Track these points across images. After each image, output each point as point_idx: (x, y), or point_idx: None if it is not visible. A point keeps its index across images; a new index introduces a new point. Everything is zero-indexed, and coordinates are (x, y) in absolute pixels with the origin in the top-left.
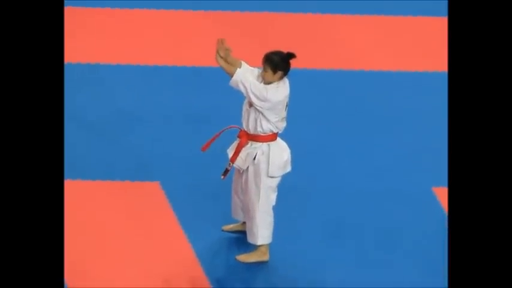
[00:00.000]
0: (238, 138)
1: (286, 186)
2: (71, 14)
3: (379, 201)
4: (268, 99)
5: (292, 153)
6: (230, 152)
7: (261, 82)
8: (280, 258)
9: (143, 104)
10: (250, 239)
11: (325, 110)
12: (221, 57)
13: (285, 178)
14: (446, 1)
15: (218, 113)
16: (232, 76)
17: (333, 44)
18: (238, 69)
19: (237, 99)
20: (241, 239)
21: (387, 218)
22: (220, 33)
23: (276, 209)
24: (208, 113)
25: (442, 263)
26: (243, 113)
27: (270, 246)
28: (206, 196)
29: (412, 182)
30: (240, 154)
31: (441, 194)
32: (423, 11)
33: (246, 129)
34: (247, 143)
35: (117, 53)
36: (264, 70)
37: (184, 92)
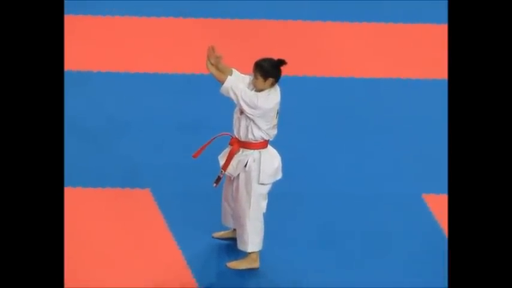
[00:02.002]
0: (229, 146)
1: (277, 192)
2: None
3: (370, 207)
4: (259, 106)
5: (283, 159)
6: (221, 159)
7: (252, 89)
8: (271, 264)
9: (134, 111)
10: (240, 246)
11: (316, 116)
12: (212, 65)
13: (276, 184)
14: (445, 8)
15: (209, 121)
16: (222, 83)
17: (324, 51)
18: (229, 76)
19: (228, 106)
20: (231, 246)
21: (378, 224)
22: (212, 40)
23: (267, 215)
24: (199, 120)
25: (432, 268)
26: (234, 121)
27: (261, 252)
28: (196, 203)
29: (403, 188)
30: (231, 161)
31: (431, 201)
32: (421, 18)
33: (237, 137)
34: (238, 150)
35: (108, 61)
36: (255, 77)
37: (175, 99)
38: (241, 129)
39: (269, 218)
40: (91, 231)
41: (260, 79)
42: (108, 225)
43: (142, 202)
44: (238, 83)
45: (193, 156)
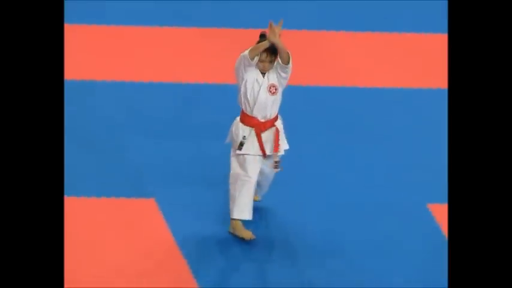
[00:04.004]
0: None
1: (281, 200)
2: (65, 31)
3: (374, 217)
4: None
5: (288, 168)
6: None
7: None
8: (276, 272)
9: (138, 120)
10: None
11: (320, 126)
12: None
13: (280, 192)
14: (446, 18)
15: (212, 129)
16: (287, 52)
17: (328, 61)
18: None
19: (232, 115)
20: (239, 255)
21: (382, 233)
22: (215, 50)
23: (271, 222)
24: (204, 129)
25: (437, 278)
26: (263, 104)
27: (265, 260)
28: (202, 213)
29: (407, 198)
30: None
31: (436, 211)
32: (422, 28)
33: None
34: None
35: (112, 70)
36: (271, 62)
37: (179, 108)
38: (274, 108)
39: (274, 224)
40: (95, 242)
41: (274, 61)
42: (113, 235)
43: (147, 212)
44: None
45: None
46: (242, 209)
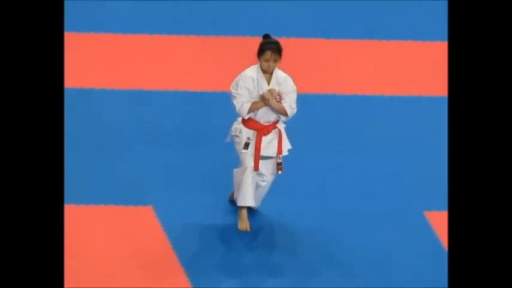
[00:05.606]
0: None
1: (277, 209)
2: (65, 40)
3: (371, 225)
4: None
5: (284, 176)
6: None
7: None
8: (273, 281)
9: (137, 128)
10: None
11: (318, 134)
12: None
13: (276, 201)
14: (445, 26)
15: (210, 137)
16: (285, 112)
17: (327, 69)
18: (283, 105)
19: (229, 123)
20: (236, 263)
21: (379, 241)
22: (214, 58)
23: (269, 230)
24: (201, 136)
25: (434, 285)
26: (266, 111)
27: (262, 267)
28: (199, 220)
29: (404, 206)
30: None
31: (433, 218)
32: (421, 36)
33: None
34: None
35: (111, 78)
36: (276, 61)
37: (178, 116)
38: (276, 114)
39: (270, 234)
40: (93, 249)
41: (278, 60)
42: (111, 242)
43: (145, 219)
44: (291, 102)
45: None
46: (244, 196)
